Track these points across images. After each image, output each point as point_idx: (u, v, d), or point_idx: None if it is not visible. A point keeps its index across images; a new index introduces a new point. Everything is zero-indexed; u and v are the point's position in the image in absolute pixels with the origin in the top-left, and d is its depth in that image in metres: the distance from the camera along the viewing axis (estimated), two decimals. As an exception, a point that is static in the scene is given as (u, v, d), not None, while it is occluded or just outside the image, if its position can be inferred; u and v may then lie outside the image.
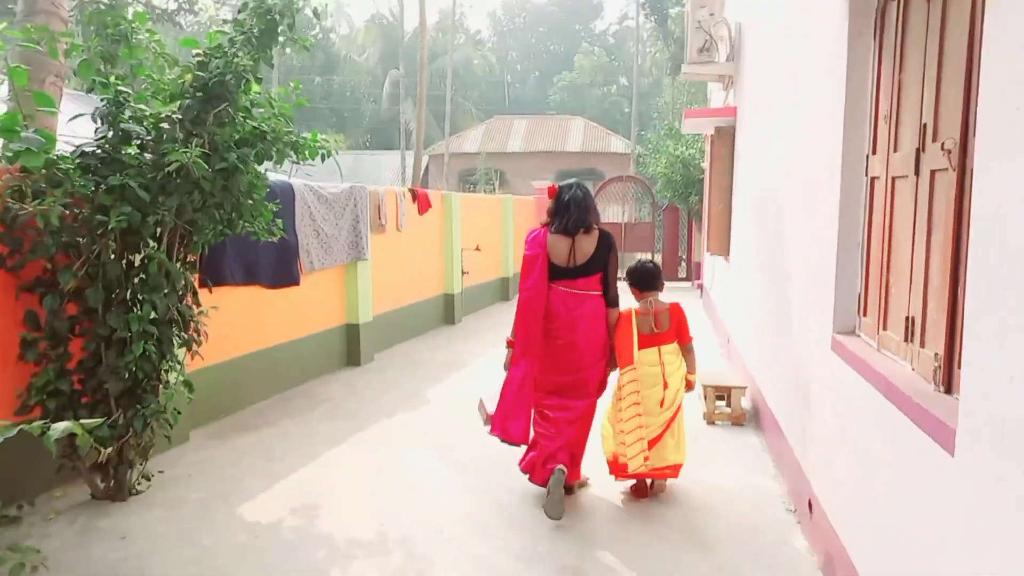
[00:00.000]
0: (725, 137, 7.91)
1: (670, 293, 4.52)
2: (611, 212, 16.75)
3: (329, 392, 6.59)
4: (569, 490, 4.07)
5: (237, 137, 4.18)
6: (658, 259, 15.76)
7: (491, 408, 4.06)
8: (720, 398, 5.64)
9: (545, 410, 4.01)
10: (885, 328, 2.87)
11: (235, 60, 4.01)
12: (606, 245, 3.96)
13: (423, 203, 9.65)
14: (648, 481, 4.14)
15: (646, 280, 4.13)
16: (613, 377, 4.17)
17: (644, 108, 37.75)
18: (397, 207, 8.84)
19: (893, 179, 2.80)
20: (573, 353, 3.93)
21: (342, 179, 8.98)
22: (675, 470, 4.08)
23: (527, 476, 4.04)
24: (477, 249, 11.22)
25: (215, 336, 4.87)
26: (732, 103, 8.01)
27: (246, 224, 4.46)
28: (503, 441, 3.86)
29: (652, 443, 3.93)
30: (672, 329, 4.06)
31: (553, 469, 3.77)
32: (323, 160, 4.69)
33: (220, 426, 5.50)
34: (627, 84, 55.48)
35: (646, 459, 3.89)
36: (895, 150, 2.80)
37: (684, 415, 4.15)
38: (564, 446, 3.90)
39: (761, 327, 5.42)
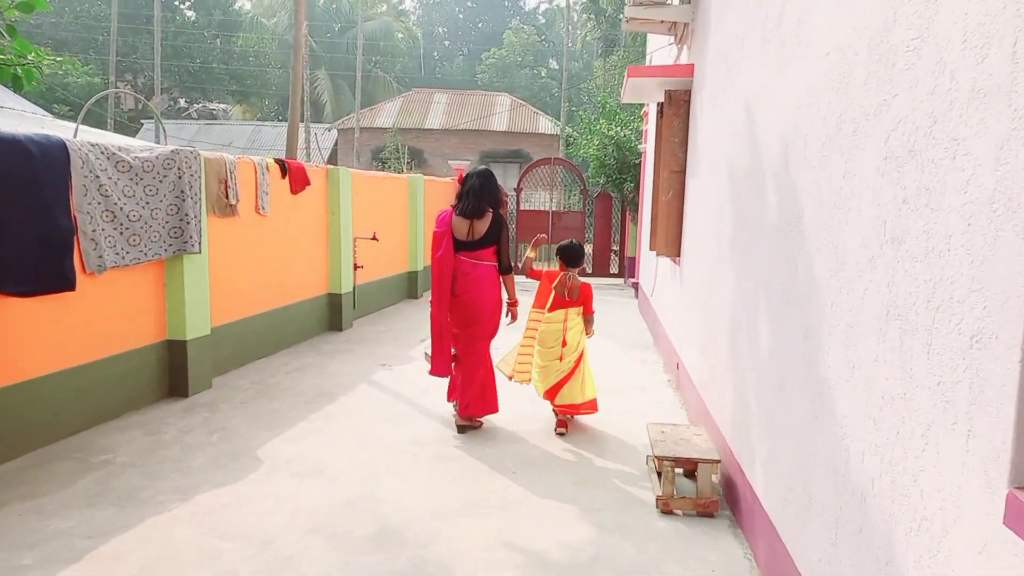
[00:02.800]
0: (678, 104, 6.21)
1: (599, 292, 5.18)
2: (537, 199, 14.98)
3: (114, 447, 4.53)
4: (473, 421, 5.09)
5: None
6: (587, 250, 14.13)
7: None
8: (686, 475, 3.92)
9: (460, 355, 5.02)
10: None
11: None
12: (497, 225, 4.93)
13: (297, 179, 7.59)
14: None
15: (571, 257, 5.13)
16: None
17: (574, 92, 36.14)
18: (256, 183, 6.77)
19: None
20: (471, 307, 4.92)
21: (165, 141, 6.84)
22: (592, 405, 5.15)
23: (454, 405, 5.12)
24: (374, 238, 9.24)
25: None
26: (688, 60, 6.29)
27: None
28: (433, 375, 5.03)
29: (559, 385, 5.06)
30: (580, 300, 5.10)
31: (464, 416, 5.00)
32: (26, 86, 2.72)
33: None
34: (557, 67, 53.95)
35: (524, 375, 5.21)
36: None
37: (588, 360, 5.19)
38: (472, 392, 4.96)
39: (744, 364, 3.71)
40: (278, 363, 6.85)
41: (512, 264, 5.10)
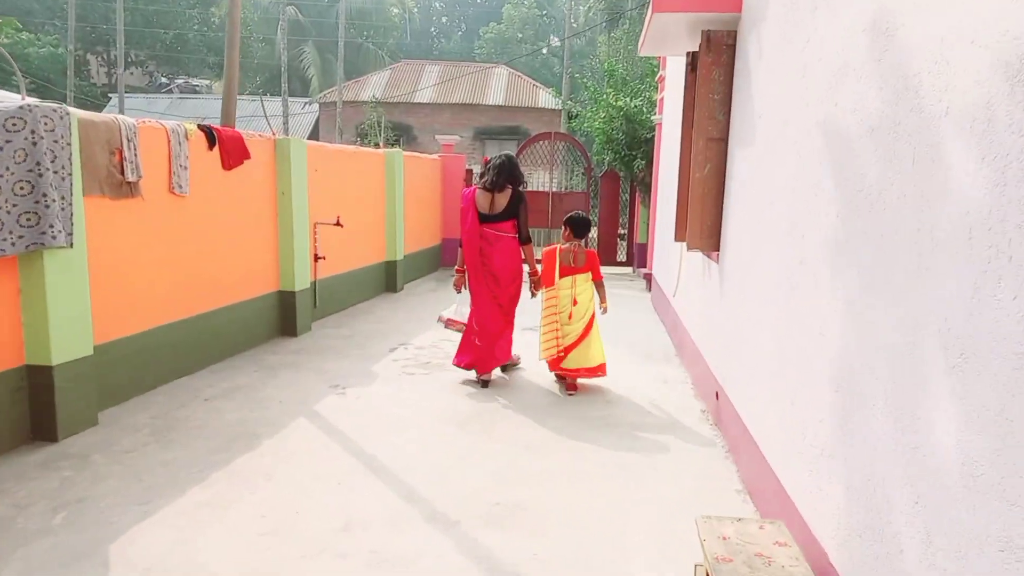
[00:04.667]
0: (719, 49, 4.67)
1: (606, 283, 5.70)
2: (536, 179, 13.41)
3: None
4: (505, 368, 5.82)
5: None
6: (592, 234, 12.64)
7: (448, 315, 5.96)
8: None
9: (481, 318, 5.50)
10: None
11: None
12: (516, 200, 5.39)
13: (232, 151, 6.05)
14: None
15: (578, 228, 5.51)
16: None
17: (577, 69, 34.36)
18: (170, 155, 5.24)
19: None
20: (494, 273, 5.43)
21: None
22: (601, 368, 5.42)
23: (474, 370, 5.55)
24: (338, 224, 7.73)
25: None
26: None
27: None
28: (444, 328, 5.97)
29: (571, 347, 5.34)
30: (586, 266, 5.43)
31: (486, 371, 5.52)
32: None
33: None
34: (559, 45, 51.85)
35: (559, 353, 5.35)
36: None
37: (598, 326, 5.41)
38: (492, 353, 5.49)
39: (876, 443, 2.22)
40: (199, 385, 5.36)
41: (530, 236, 5.52)
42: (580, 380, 5.47)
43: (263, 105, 7.83)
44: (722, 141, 4.75)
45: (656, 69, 13.48)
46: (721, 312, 4.69)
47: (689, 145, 5.35)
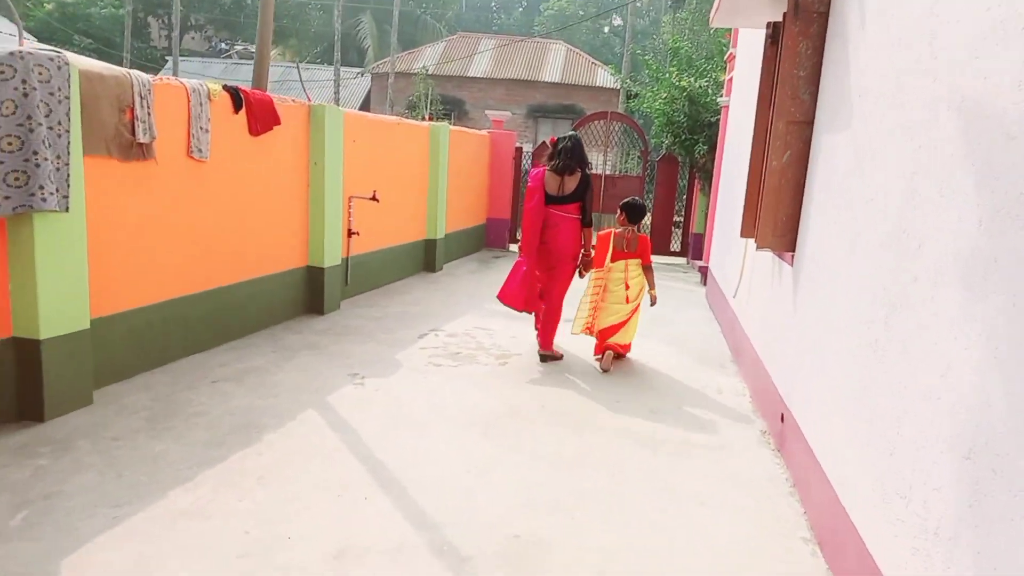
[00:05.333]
0: (808, 18, 3.99)
1: (658, 272, 6.63)
2: (590, 160, 12.74)
3: None
4: (544, 358, 5.64)
5: None
6: (646, 220, 11.94)
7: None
8: None
9: (542, 291, 5.61)
10: None
11: None
12: (584, 183, 5.46)
13: (260, 116, 5.62)
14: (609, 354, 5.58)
15: (633, 213, 5.62)
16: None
17: (639, 50, 33.24)
18: (189, 116, 4.82)
19: None
20: (555, 253, 5.50)
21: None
22: (628, 347, 5.74)
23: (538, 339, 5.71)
24: (374, 199, 7.27)
25: None
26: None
27: None
28: (504, 304, 5.48)
29: (618, 327, 5.55)
30: (638, 251, 5.58)
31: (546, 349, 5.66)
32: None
33: None
34: (621, 24, 50.38)
35: (587, 328, 5.62)
36: None
37: (639, 316, 5.68)
38: (550, 329, 5.61)
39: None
40: (211, 363, 4.99)
41: (592, 219, 5.62)
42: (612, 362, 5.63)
43: (299, 71, 7.39)
44: (806, 124, 4.08)
45: (725, 47, 12.62)
46: (792, 323, 4.06)
47: (765, 129, 4.68)
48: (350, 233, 7.23)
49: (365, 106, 22.26)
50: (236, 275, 5.54)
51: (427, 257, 9.52)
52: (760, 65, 4.95)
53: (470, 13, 41.75)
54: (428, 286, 8.57)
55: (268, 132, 5.76)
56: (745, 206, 4.88)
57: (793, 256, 4.18)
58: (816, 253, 3.72)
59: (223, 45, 31.56)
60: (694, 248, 11.70)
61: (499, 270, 10.13)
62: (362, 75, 23.14)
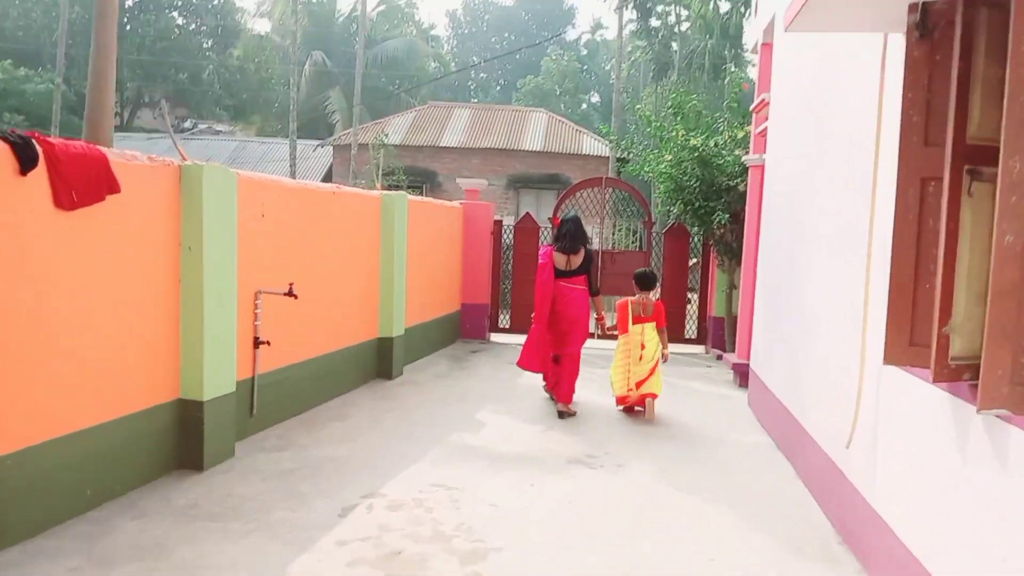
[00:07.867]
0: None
1: (670, 366, 6.78)
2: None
3: None
4: (561, 415, 6.10)
5: None
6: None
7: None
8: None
9: (560, 358, 6.25)
10: None
11: None
12: (588, 258, 6.29)
13: (77, 178, 3.51)
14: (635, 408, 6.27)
15: (645, 282, 6.32)
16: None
17: (621, 123, 32.15)
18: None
19: None
20: (568, 320, 6.21)
21: None
22: (655, 396, 6.11)
23: (550, 393, 6.44)
24: (290, 294, 5.13)
25: None
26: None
27: None
28: (523, 369, 6.42)
29: (641, 383, 6.03)
30: (654, 315, 6.22)
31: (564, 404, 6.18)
32: None
33: None
34: (599, 101, 49.67)
35: (629, 390, 6.11)
36: None
37: (660, 371, 6.12)
38: (567, 386, 6.19)
39: None
40: None
41: (599, 288, 6.62)
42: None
43: (164, 114, 5.58)
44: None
45: (737, 98, 10.86)
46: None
47: (924, 183, 2.63)
48: (257, 343, 5.06)
49: (327, 179, 20.44)
50: (39, 431, 3.30)
51: (380, 361, 7.32)
52: (902, 81, 2.89)
53: (446, 92, 40.79)
54: (376, 404, 6.33)
55: (97, 203, 3.66)
56: (889, 312, 2.74)
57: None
58: None
59: (185, 125, 30.04)
60: (714, 335, 9.59)
61: (476, 373, 7.94)
62: (322, 146, 21.34)
